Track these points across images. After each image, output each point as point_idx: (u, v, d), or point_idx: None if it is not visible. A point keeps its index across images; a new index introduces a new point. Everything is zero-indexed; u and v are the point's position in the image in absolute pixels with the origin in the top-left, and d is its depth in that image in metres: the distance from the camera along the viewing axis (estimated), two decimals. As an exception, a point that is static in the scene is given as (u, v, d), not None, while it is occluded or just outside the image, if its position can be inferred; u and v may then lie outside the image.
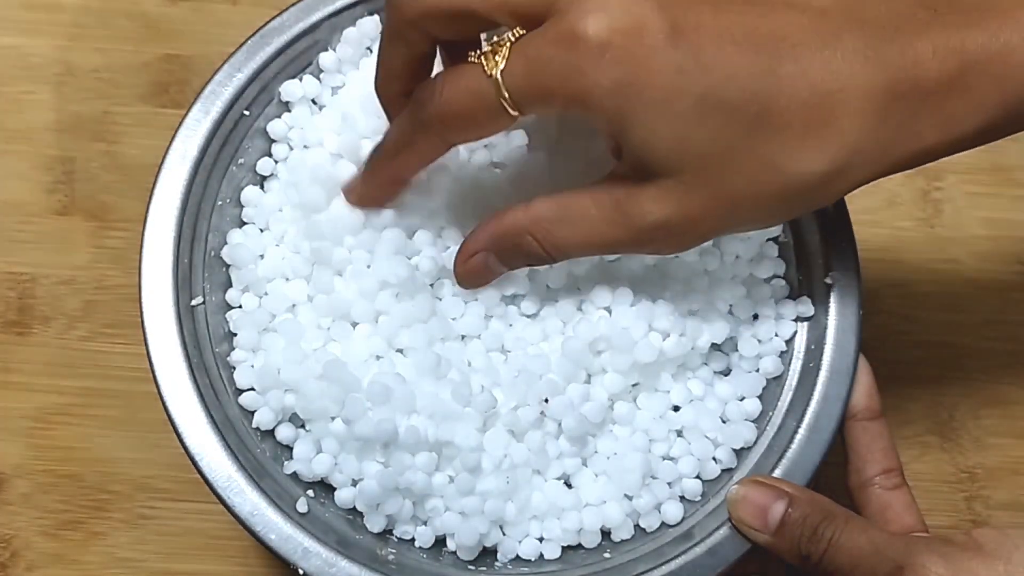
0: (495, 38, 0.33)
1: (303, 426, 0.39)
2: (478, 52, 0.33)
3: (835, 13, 0.32)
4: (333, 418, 0.37)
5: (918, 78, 0.32)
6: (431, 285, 0.39)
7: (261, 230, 0.41)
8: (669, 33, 0.31)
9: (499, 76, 0.32)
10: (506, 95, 0.33)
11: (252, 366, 0.39)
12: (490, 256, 0.37)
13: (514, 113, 0.33)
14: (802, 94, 0.31)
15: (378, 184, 0.38)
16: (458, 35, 0.35)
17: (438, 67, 0.37)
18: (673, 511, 0.39)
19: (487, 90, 0.33)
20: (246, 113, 0.41)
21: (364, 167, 0.38)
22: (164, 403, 0.37)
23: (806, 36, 0.32)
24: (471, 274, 0.38)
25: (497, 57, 0.33)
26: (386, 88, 0.37)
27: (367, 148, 0.40)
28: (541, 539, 0.39)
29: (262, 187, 0.42)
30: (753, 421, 0.40)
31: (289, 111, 0.42)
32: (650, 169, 0.33)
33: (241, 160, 0.41)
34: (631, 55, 0.31)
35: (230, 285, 0.40)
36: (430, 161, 0.37)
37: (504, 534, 0.38)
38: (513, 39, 0.33)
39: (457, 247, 0.39)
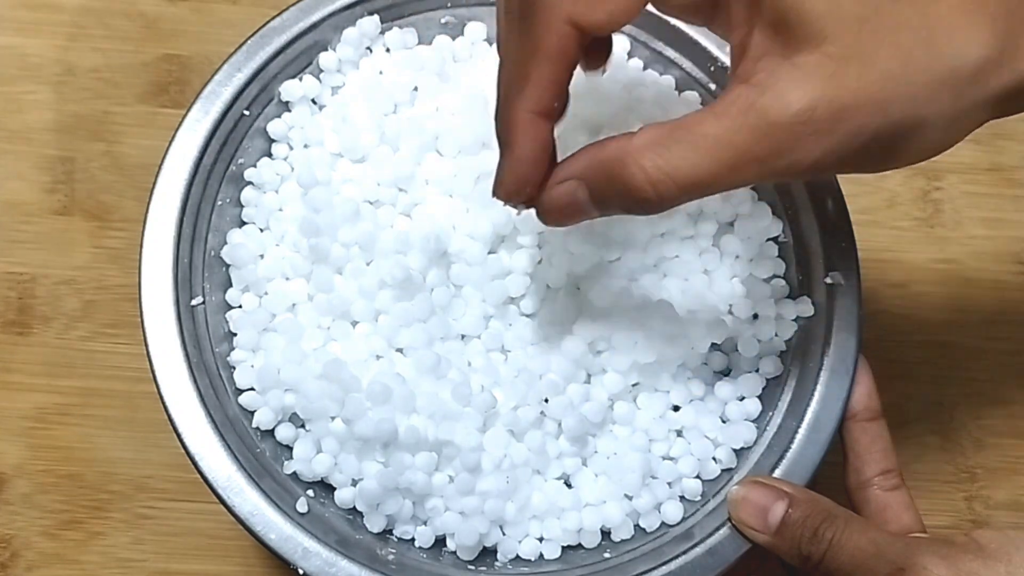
0: None
1: (303, 426, 0.39)
2: None
3: None
4: (333, 418, 0.37)
5: None
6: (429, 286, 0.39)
7: (261, 230, 0.41)
8: None
9: None
10: None
11: (252, 366, 0.39)
12: (581, 187, 0.31)
13: None
14: None
15: (519, 141, 0.32)
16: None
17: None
18: (673, 511, 0.39)
19: None
20: (246, 113, 0.41)
21: (498, 139, 0.32)
22: (164, 403, 0.37)
23: None
24: (556, 206, 0.32)
25: None
26: (519, 107, 0.31)
27: (366, 147, 0.41)
28: (541, 539, 0.39)
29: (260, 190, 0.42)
30: (753, 421, 0.40)
31: (289, 111, 0.42)
32: (793, 36, 0.29)
33: (241, 160, 0.41)
34: None
35: (230, 285, 0.40)
36: (565, 73, 0.31)
37: (504, 534, 0.38)
38: None
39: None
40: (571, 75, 0.31)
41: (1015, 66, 0.30)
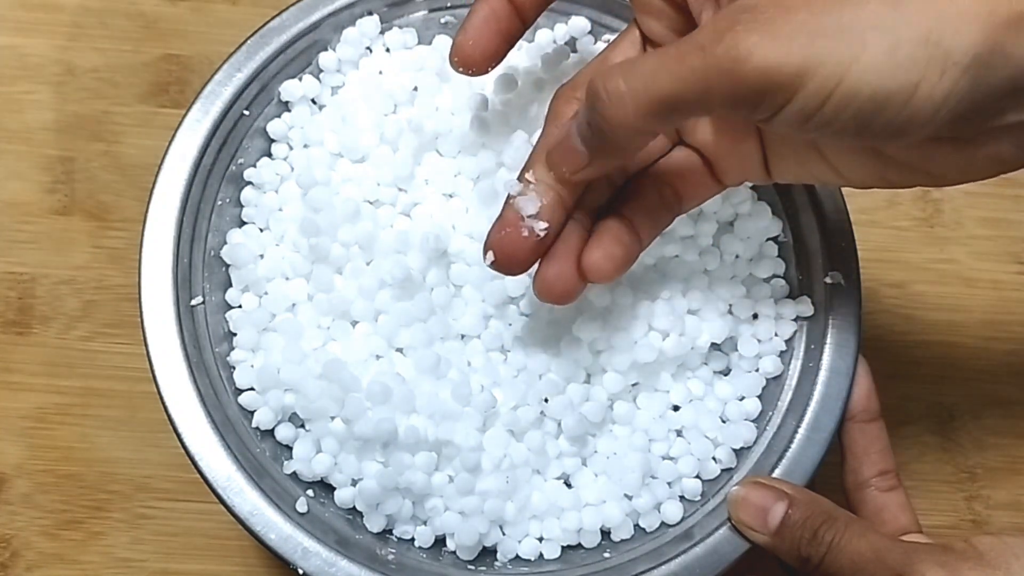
0: None
1: (303, 426, 0.39)
2: None
3: None
4: (333, 418, 0.37)
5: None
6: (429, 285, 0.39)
7: (261, 230, 0.41)
8: None
9: None
10: None
11: (252, 366, 0.39)
12: (574, 139, 0.33)
13: None
14: None
15: (473, 18, 0.37)
16: None
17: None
18: (673, 511, 0.39)
19: None
20: (246, 113, 0.41)
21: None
22: (164, 403, 0.37)
23: None
24: (561, 159, 0.34)
25: None
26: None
27: (366, 147, 0.41)
28: (541, 539, 0.39)
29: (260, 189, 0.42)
30: (753, 421, 0.40)
31: (289, 111, 0.42)
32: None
33: (241, 160, 0.41)
34: None
35: (230, 285, 0.40)
36: None
37: (504, 534, 0.38)
38: None
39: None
40: None
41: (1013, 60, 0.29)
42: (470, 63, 0.37)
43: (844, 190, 0.41)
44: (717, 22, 0.30)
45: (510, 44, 0.37)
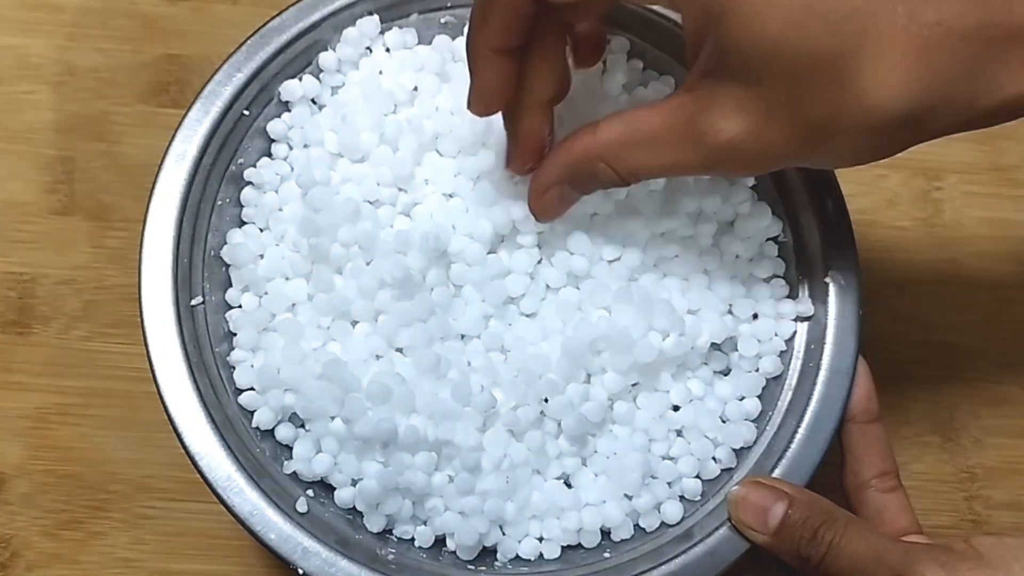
0: None
1: (303, 426, 0.39)
2: None
3: None
4: (333, 418, 0.37)
5: (1011, 24, 0.30)
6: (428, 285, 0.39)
7: (261, 230, 0.41)
8: None
9: None
10: None
11: (252, 366, 0.39)
12: (564, 188, 0.37)
13: None
14: (901, 20, 0.30)
15: (481, 69, 0.36)
16: None
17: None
18: (673, 511, 0.39)
19: None
20: (246, 113, 0.41)
21: (468, 65, 0.36)
22: (164, 403, 0.37)
23: None
24: (547, 209, 0.38)
25: None
26: (483, 39, 0.35)
27: (366, 147, 0.41)
28: (541, 539, 0.39)
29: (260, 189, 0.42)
30: (753, 421, 0.40)
31: (289, 111, 0.42)
32: (733, 69, 0.32)
33: (241, 160, 0.41)
34: None
35: (230, 285, 0.40)
36: (521, 14, 0.34)
37: (504, 534, 0.38)
38: None
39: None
40: (525, 22, 0.35)
41: (945, 118, 0.31)
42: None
43: (844, 190, 0.41)
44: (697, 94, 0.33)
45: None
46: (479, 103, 0.37)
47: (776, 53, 0.31)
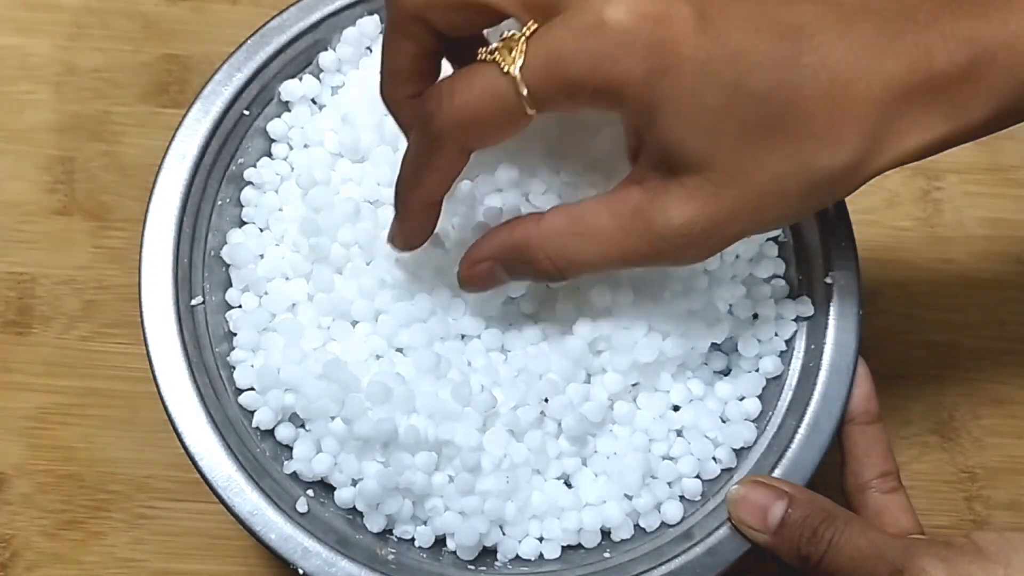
0: (504, 34, 0.32)
1: (303, 426, 0.39)
2: (488, 48, 0.32)
3: (848, 3, 0.32)
4: (333, 418, 0.37)
5: (931, 68, 0.32)
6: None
7: (261, 230, 0.41)
8: (696, 19, 0.30)
9: (517, 73, 0.31)
10: (525, 92, 0.31)
11: (252, 366, 0.39)
12: (496, 266, 0.36)
13: (531, 112, 0.32)
14: (823, 84, 0.31)
15: (412, 217, 0.36)
16: (464, 29, 0.33)
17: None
18: (673, 511, 0.39)
19: (504, 89, 0.31)
20: (246, 113, 0.41)
21: (395, 207, 0.36)
22: (164, 403, 0.37)
23: (823, 25, 0.31)
24: (475, 280, 0.37)
25: (513, 52, 0.31)
26: (392, 91, 0.35)
27: (366, 147, 0.41)
28: (541, 539, 0.39)
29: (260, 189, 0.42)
30: (753, 421, 0.40)
31: (289, 111, 0.42)
32: (676, 164, 0.32)
33: (241, 160, 0.41)
34: (661, 42, 0.30)
35: (230, 285, 0.40)
36: (454, 176, 0.35)
37: (504, 534, 0.38)
38: (528, 33, 0.31)
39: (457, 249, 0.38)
40: (457, 173, 0.35)
41: (878, 161, 0.33)
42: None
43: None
44: (640, 193, 0.33)
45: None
46: (405, 243, 0.37)
47: (715, 139, 0.31)
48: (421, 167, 0.34)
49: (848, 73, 0.31)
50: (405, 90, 0.35)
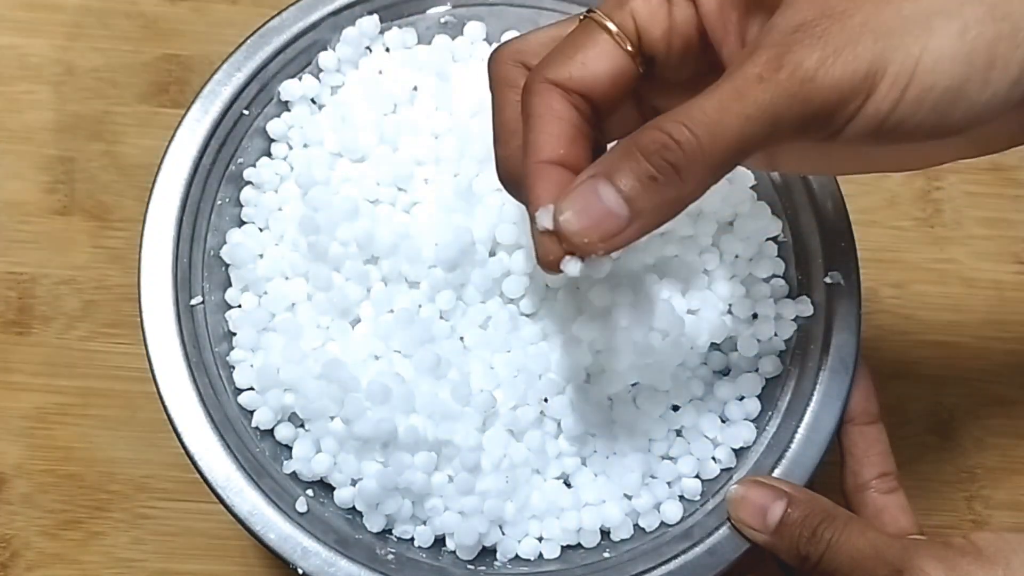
0: None
1: (302, 426, 0.39)
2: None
3: None
4: (332, 418, 0.37)
5: None
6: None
7: (260, 229, 0.41)
8: None
9: None
10: None
11: (251, 365, 0.39)
12: (617, 196, 0.29)
13: None
14: None
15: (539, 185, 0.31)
16: None
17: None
18: (672, 511, 0.39)
19: None
20: (245, 112, 0.41)
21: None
22: (163, 403, 0.37)
23: None
24: (596, 231, 0.30)
25: None
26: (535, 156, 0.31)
27: (365, 146, 0.40)
28: (540, 538, 0.39)
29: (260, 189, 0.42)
30: (753, 421, 0.40)
31: (288, 110, 0.42)
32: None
33: (241, 160, 0.41)
34: None
35: (229, 285, 0.40)
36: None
37: (503, 533, 0.38)
38: None
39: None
40: (574, 127, 0.31)
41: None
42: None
43: (844, 190, 0.41)
44: (769, 48, 0.28)
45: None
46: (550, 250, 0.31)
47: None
48: (526, 123, 0.31)
49: None
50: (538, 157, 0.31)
